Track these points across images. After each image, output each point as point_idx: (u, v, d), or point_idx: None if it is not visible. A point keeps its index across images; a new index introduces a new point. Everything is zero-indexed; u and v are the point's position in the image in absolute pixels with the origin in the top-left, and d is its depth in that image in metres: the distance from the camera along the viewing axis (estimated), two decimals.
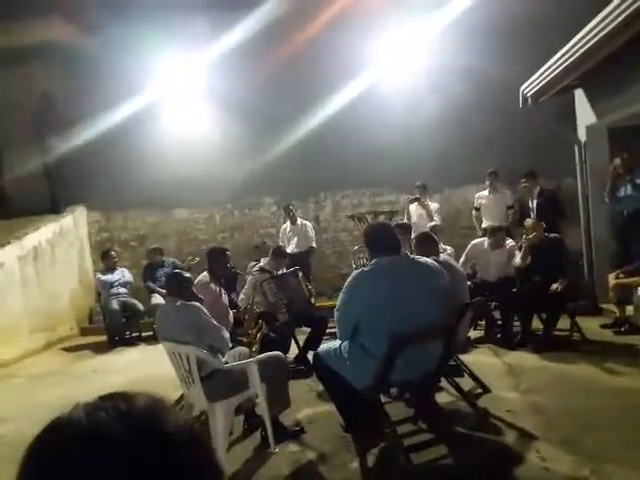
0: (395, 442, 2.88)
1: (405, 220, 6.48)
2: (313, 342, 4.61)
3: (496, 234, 5.42)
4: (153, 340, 5.64)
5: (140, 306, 6.93)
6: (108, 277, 7.10)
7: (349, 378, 2.83)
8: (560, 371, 4.16)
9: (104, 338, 6.83)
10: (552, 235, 5.14)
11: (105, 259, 7.30)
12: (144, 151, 8.17)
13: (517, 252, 5.24)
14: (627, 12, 3.72)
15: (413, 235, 4.81)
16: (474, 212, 7.02)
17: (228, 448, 3.09)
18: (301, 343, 4.80)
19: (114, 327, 6.78)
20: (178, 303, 3.08)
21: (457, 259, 5.21)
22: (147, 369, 5.04)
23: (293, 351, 4.79)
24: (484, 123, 7.22)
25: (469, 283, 4.91)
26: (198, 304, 3.09)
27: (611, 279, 5.07)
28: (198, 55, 7.88)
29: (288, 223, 7.52)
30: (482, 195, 6.92)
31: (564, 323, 5.01)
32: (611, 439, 2.84)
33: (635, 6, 3.62)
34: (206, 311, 3.10)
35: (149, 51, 7.54)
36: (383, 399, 3.23)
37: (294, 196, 8.15)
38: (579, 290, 5.24)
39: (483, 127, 7.25)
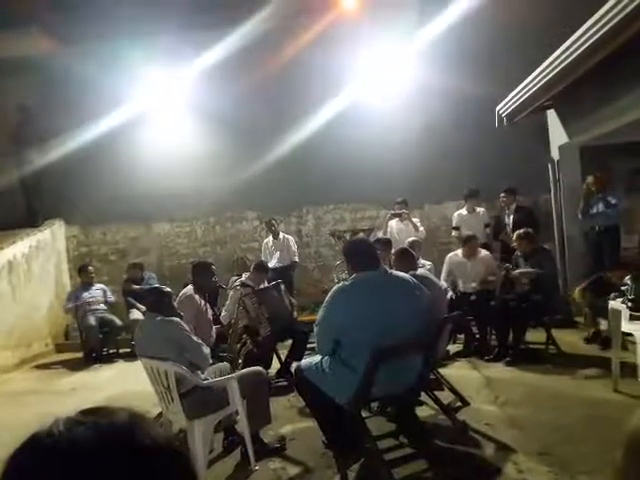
0: (376, 457, 2.89)
1: (385, 235, 6.55)
2: (295, 356, 4.62)
3: (469, 242, 5.62)
4: (131, 357, 5.57)
5: (118, 322, 6.85)
6: (80, 292, 7.00)
7: (330, 393, 2.84)
8: (537, 384, 4.23)
9: (80, 355, 6.70)
10: (543, 246, 5.31)
11: (82, 274, 7.20)
12: (124, 165, 8.14)
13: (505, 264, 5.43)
14: (594, 38, 3.87)
15: (393, 250, 4.88)
16: (454, 232, 7.15)
17: (208, 466, 3.07)
18: (283, 357, 4.80)
19: (91, 343, 6.66)
20: (158, 318, 3.06)
21: (436, 274, 5.29)
22: (125, 386, 4.97)
23: (275, 366, 4.78)
24: (463, 141, 7.38)
25: (448, 296, 5.02)
26: (178, 319, 3.08)
27: (576, 293, 5.24)
28: (181, 69, 7.92)
29: (270, 237, 7.53)
30: (461, 214, 7.08)
31: (540, 336, 5.12)
32: (585, 450, 2.89)
33: (602, 32, 3.76)
34: (186, 326, 3.09)
35: (129, 65, 7.55)
36: (364, 414, 3.24)
37: (276, 210, 8.19)
38: (555, 304, 5.36)
39: (462, 145, 7.41)
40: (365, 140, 7.79)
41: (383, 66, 8.01)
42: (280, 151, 7.85)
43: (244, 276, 5.23)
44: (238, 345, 3.87)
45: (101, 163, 7.98)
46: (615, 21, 3.62)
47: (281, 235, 7.50)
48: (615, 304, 3.79)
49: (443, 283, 5.58)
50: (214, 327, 4.01)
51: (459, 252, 5.75)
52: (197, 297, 3.97)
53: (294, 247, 7.49)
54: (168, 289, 3.32)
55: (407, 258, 4.24)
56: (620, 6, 3.53)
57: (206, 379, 3.13)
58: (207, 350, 3.14)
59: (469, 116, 7.16)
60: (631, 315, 3.65)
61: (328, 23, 7.67)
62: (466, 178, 7.16)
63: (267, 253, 7.45)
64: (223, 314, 4.77)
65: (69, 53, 7.62)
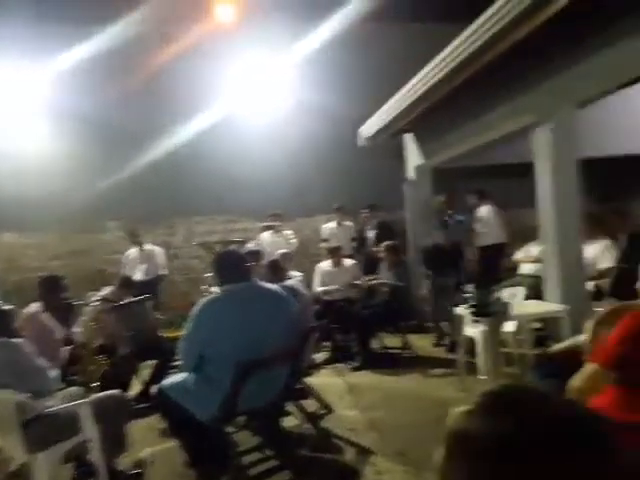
0: (240, 473, 2.86)
1: (257, 247, 6.59)
2: (158, 376, 4.38)
3: (335, 252, 6.06)
4: None
5: None
6: None
7: (194, 411, 2.75)
8: (394, 387, 4.52)
9: None
10: (403, 258, 5.82)
11: None
12: None
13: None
14: (447, 69, 4.31)
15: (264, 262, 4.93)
16: (323, 244, 7.43)
17: None
18: (145, 379, 4.54)
19: None
20: None
21: (307, 285, 5.44)
22: None
23: (138, 387, 4.51)
24: (333, 158, 7.74)
25: (315, 306, 5.20)
26: (16, 341, 2.76)
27: None
28: (37, 66, 7.21)
29: (135, 249, 7.13)
30: (329, 227, 7.40)
31: (398, 341, 5.52)
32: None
33: (453, 65, 4.21)
34: (28, 349, 2.79)
35: None
36: (229, 429, 3.20)
37: (143, 220, 7.78)
38: (410, 311, 5.85)
39: (332, 162, 7.76)
40: (239, 152, 7.79)
41: (259, 80, 8.12)
42: (149, 159, 7.52)
43: (104, 290, 4.88)
44: (94, 367, 3.58)
45: None
46: (460, 59, 4.07)
47: (147, 246, 7.14)
48: (459, 310, 4.21)
49: (317, 289, 5.89)
50: (65, 348, 3.67)
51: (328, 262, 6.11)
52: (43, 315, 3.61)
53: (162, 259, 7.17)
54: (9, 307, 2.97)
55: (277, 270, 4.32)
56: (461, 48, 3.99)
57: (52, 406, 2.84)
58: (54, 374, 2.86)
59: (340, 134, 7.53)
60: (473, 320, 4.09)
61: (204, 33, 7.56)
62: (336, 193, 7.52)
63: (131, 265, 7.03)
64: (77, 332, 4.39)
65: None
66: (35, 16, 7.00)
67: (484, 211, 6.84)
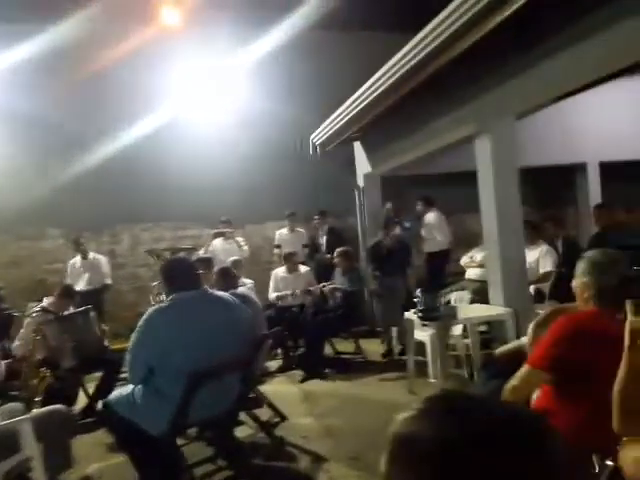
0: None
1: (208, 255, 6.50)
2: (104, 389, 4.22)
3: (290, 258, 6.12)
4: None
5: None
6: None
7: (143, 425, 2.67)
8: (348, 393, 4.56)
9: None
10: (355, 264, 5.93)
11: None
12: None
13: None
14: (393, 78, 4.42)
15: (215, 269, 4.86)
16: (275, 250, 7.42)
17: None
18: (91, 391, 4.37)
19: None
20: None
21: (258, 292, 5.41)
22: None
23: (82, 400, 4.33)
24: (285, 164, 7.74)
25: (267, 313, 5.18)
26: None
27: None
28: None
29: (78, 257, 6.86)
30: (282, 233, 7.41)
31: (350, 346, 5.58)
32: None
33: (397, 75, 4.32)
34: None
35: None
36: (181, 441, 3.13)
37: (86, 227, 7.51)
38: (362, 316, 5.93)
39: (284, 168, 7.76)
40: (188, 158, 7.66)
41: (208, 85, 8.01)
42: (92, 163, 7.25)
43: (45, 301, 4.66)
44: (35, 381, 3.41)
45: None
46: (405, 69, 4.19)
47: (91, 255, 6.89)
48: (408, 314, 4.31)
49: (272, 295, 5.90)
50: (2, 362, 3.48)
51: (283, 268, 6.17)
52: None
53: (106, 268, 6.94)
54: None
55: (228, 277, 4.27)
56: (407, 58, 4.11)
57: None
58: None
59: (291, 140, 7.56)
60: (422, 324, 4.20)
61: (150, 35, 7.38)
62: (287, 199, 7.53)
63: (74, 275, 6.76)
64: (17, 343, 4.18)
65: None
66: None
67: (431, 218, 7.04)
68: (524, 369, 1.91)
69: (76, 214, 7.48)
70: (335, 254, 5.86)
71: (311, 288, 5.91)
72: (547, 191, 8.53)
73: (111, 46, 7.20)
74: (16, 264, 7.60)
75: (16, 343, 4.23)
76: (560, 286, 4.86)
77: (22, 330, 4.32)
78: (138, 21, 7.35)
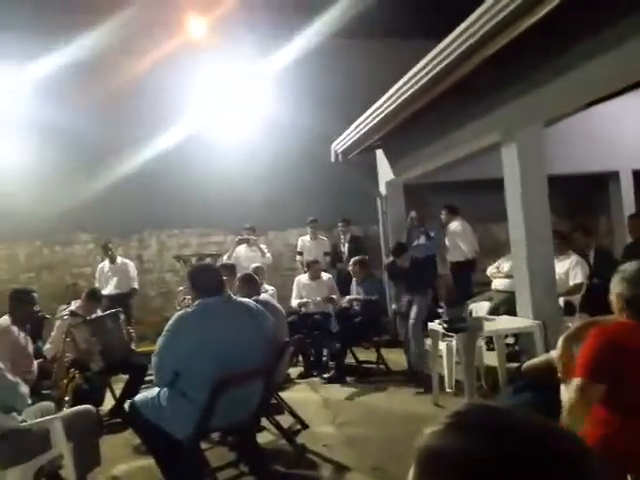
0: None
1: (231, 261, 6.57)
2: (130, 391, 4.30)
3: (313, 266, 6.13)
4: None
5: None
6: None
7: (168, 428, 2.71)
8: (370, 402, 4.53)
9: None
10: (372, 273, 5.84)
11: None
12: None
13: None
14: (417, 86, 4.42)
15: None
16: (297, 257, 7.45)
17: None
18: (118, 392, 4.45)
19: None
20: None
21: (280, 298, 5.44)
22: None
23: (109, 402, 4.41)
24: (307, 173, 7.78)
25: (289, 320, 5.20)
26: None
27: None
28: (7, 79, 7.10)
29: (107, 262, 7.02)
30: (304, 240, 7.44)
31: (372, 355, 5.53)
32: (412, 463, 3.17)
33: (421, 83, 4.32)
34: (0, 364, 2.72)
35: None
36: (204, 445, 3.16)
37: (115, 233, 7.67)
38: (383, 325, 5.90)
39: (306, 176, 7.80)
40: (213, 166, 7.77)
41: (232, 94, 8.14)
42: (121, 172, 7.42)
43: (74, 304, 4.78)
44: (65, 381, 3.49)
45: None
46: (429, 77, 4.18)
47: (119, 260, 7.03)
48: (433, 325, 4.27)
49: (294, 303, 5.93)
50: (35, 362, 3.58)
51: (306, 275, 6.20)
52: (14, 329, 3.52)
53: (133, 273, 7.07)
54: None
55: (250, 284, 4.31)
56: (430, 66, 4.10)
57: (24, 421, 2.78)
58: (25, 389, 2.78)
59: (314, 148, 7.59)
60: (444, 335, 4.15)
61: (176, 47, 7.55)
62: (309, 207, 7.56)
63: (102, 279, 6.92)
64: (47, 347, 4.29)
65: None
66: (2, 25, 6.91)
67: (455, 226, 6.95)
68: (576, 383, 1.80)
69: (106, 220, 7.66)
70: (350, 263, 5.84)
71: (333, 296, 5.89)
72: (577, 200, 8.36)
73: (138, 57, 7.38)
74: (48, 268, 7.82)
75: (47, 346, 4.35)
76: (591, 298, 4.75)
77: (53, 333, 4.44)
78: (164, 32, 7.52)
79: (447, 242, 6.92)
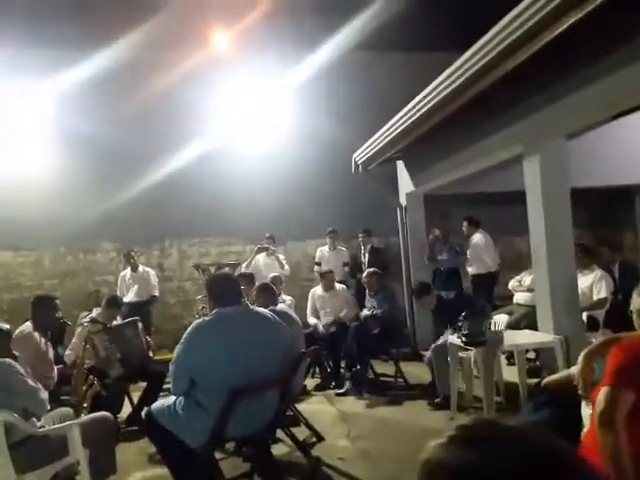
0: None
1: (250, 269, 6.60)
2: (148, 399, 4.33)
3: (326, 276, 6.09)
4: None
5: None
6: None
7: (183, 436, 2.72)
8: (386, 416, 4.47)
9: None
10: (387, 284, 5.78)
11: None
12: None
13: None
14: (438, 98, 4.41)
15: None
16: (316, 267, 7.45)
17: None
18: (136, 400, 4.48)
19: None
20: None
21: (297, 309, 5.44)
22: None
23: (127, 409, 4.45)
24: (326, 183, 7.81)
25: (306, 331, 5.19)
26: (10, 361, 2.75)
27: None
28: (39, 91, 7.33)
29: (128, 270, 7.12)
30: (323, 250, 7.44)
31: (390, 369, 5.46)
32: None
33: (443, 94, 4.31)
34: (20, 369, 2.77)
35: None
36: (218, 455, 3.15)
37: (137, 242, 7.78)
38: (402, 338, 5.81)
39: (326, 187, 7.83)
40: (235, 176, 7.85)
41: (254, 106, 8.24)
42: (143, 181, 7.55)
43: (95, 312, 4.86)
44: (84, 387, 3.54)
45: None
46: (450, 89, 4.18)
47: (140, 268, 7.13)
48: (452, 338, 4.21)
49: (312, 320, 5.86)
50: (56, 368, 3.64)
51: (320, 287, 6.15)
52: (36, 335, 3.59)
53: (154, 281, 7.16)
54: (6, 326, 2.96)
55: (268, 293, 4.32)
56: (452, 78, 4.09)
57: (42, 427, 2.82)
58: (45, 395, 2.83)
59: (333, 160, 7.63)
60: (463, 348, 4.08)
61: (202, 59, 7.69)
62: (329, 217, 7.57)
63: (124, 287, 7.02)
64: (68, 353, 4.36)
65: None
66: (33, 38, 7.14)
67: (478, 239, 6.87)
68: (604, 391, 1.75)
69: (128, 229, 7.79)
70: (364, 275, 5.80)
71: (341, 315, 5.81)
72: (602, 213, 8.20)
73: (163, 69, 7.53)
74: (71, 275, 7.97)
75: (68, 352, 4.42)
76: (615, 314, 4.64)
77: (74, 339, 4.51)
78: (189, 45, 7.67)
79: (468, 255, 6.84)
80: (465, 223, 6.99)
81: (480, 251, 6.78)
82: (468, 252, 6.84)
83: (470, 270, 6.91)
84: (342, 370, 5.51)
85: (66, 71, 7.19)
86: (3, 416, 2.55)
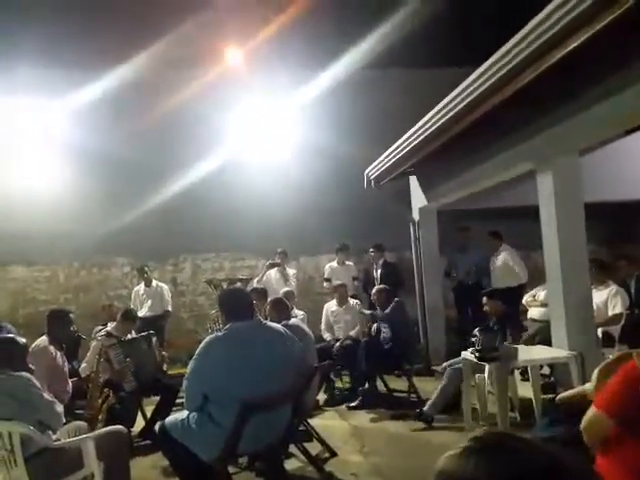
0: None
1: (262, 285, 6.62)
2: (161, 413, 4.35)
3: (339, 289, 6.12)
4: None
5: None
6: None
7: (196, 450, 2.73)
8: (399, 432, 4.42)
9: None
10: (397, 299, 5.66)
11: None
12: None
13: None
14: (450, 114, 4.44)
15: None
16: (325, 283, 7.45)
17: None
18: (149, 414, 4.50)
19: None
20: (3, 375, 2.75)
21: (310, 323, 5.44)
22: None
23: (140, 423, 4.47)
24: (338, 198, 7.85)
25: (319, 345, 5.18)
26: (27, 375, 2.79)
27: None
28: (51, 108, 7.51)
29: (142, 285, 7.19)
30: (332, 266, 7.44)
31: (403, 384, 5.41)
32: None
33: (456, 110, 4.34)
34: (37, 382, 2.80)
35: None
36: (232, 469, 3.15)
37: (151, 257, 7.88)
38: (414, 353, 5.76)
39: (337, 202, 7.87)
40: (247, 191, 7.93)
41: (266, 122, 8.34)
42: (157, 197, 7.66)
43: (109, 325, 4.90)
44: (99, 401, 3.57)
45: None
46: (462, 105, 4.20)
47: (154, 283, 7.20)
48: (466, 354, 4.17)
49: (327, 336, 5.90)
50: (70, 381, 3.68)
51: (334, 302, 6.17)
52: (52, 348, 3.64)
53: (167, 296, 7.22)
54: (23, 340, 3.01)
55: (281, 308, 4.34)
56: (464, 95, 4.13)
57: (58, 439, 2.84)
58: (60, 409, 2.86)
59: (345, 175, 7.67)
60: (477, 364, 4.05)
61: (213, 76, 7.84)
62: (339, 233, 7.60)
63: (138, 302, 7.08)
64: (83, 366, 4.40)
65: None
66: (47, 57, 7.34)
67: (507, 252, 6.62)
68: (590, 411, 1.83)
69: (142, 244, 7.88)
70: (373, 292, 5.78)
71: (352, 333, 5.81)
72: (620, 228, 8.11)
73: (176, 86, 7.68)
74: (85, 290, 8.07)
75: (83, 365, 4.46)
76: (631, 329, 4.58)
77: (89, 353, 4.55)
78: (203, 62, 7.83)
79: (496, 269, 6.67)
80: (489, 237, 6.79)
81: (512, 263, 6.52)
82: (496, 267, 6.68)
83: (498, 284, 6.52)
84: (354, 384, 5.49)
85: (85, 90, 7.37)
86: (20, 428, 2.58)
